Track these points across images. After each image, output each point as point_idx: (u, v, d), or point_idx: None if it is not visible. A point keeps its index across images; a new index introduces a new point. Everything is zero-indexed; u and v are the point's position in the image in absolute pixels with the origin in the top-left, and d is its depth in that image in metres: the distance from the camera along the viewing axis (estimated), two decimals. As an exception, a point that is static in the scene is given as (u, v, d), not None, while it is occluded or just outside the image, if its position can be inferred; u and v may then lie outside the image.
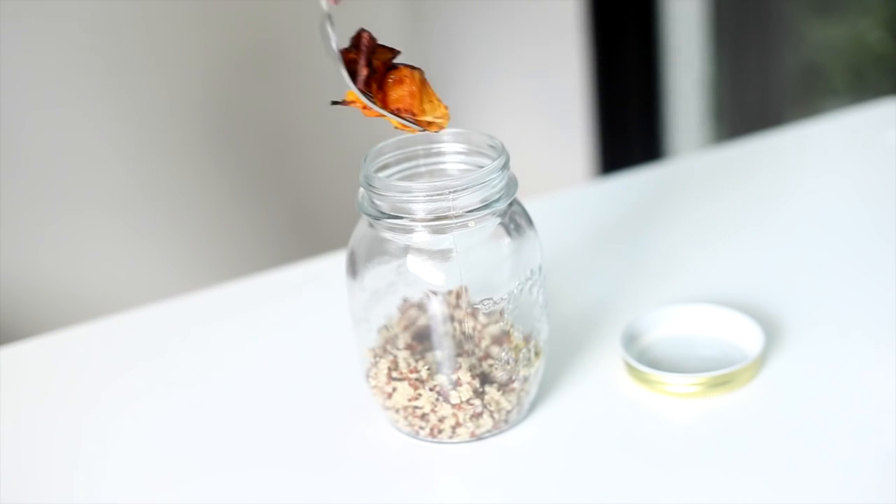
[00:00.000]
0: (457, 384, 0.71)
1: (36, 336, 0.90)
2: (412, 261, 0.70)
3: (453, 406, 0.71)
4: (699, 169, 1.11)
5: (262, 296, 0.94)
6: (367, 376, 0.74)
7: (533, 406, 0.75)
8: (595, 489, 0.69)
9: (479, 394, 0.71)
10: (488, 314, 0.71)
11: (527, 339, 0.72)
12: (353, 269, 0.72)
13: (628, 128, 1.93)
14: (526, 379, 0.73)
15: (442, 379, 0.71)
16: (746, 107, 1.92)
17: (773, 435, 0.72)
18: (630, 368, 0.77)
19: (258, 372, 0.83)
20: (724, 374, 0.75)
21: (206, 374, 0.83)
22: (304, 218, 1.77)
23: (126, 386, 0.82)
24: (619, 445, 0.72)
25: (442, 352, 0.71)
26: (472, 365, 0.71)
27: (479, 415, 0.72)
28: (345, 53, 0.66)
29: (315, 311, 0.90)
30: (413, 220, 0.68)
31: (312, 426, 0.76)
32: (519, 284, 0.71)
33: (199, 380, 0.83)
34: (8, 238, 1.47)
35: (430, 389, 0.71)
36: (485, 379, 0.71)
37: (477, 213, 0.68)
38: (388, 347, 0.72)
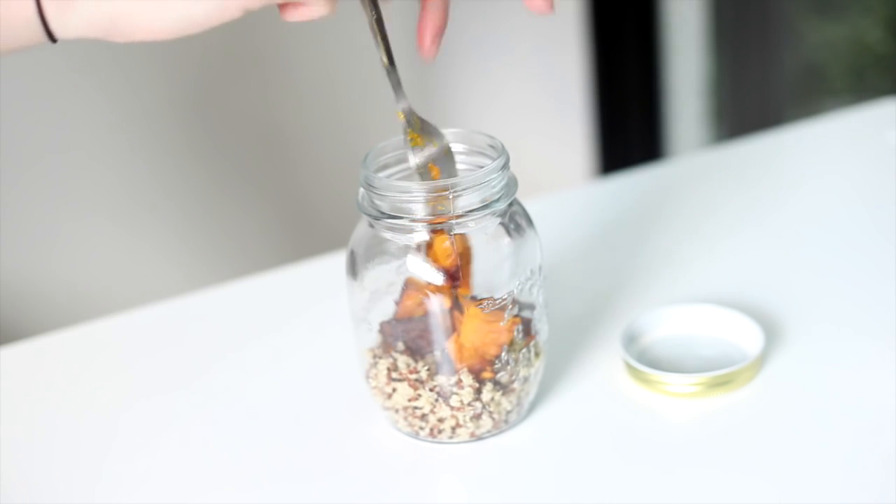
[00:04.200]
0: (457, 385, 0.70)
1: (36, 336, 0.90)
2: (412, 261, 0.70)
3: (453, 409, 0.71)
4: (699, 169, 1.11)
5: (262, 296, 0.94)
6: (367, 377, 0.74)
7: (533, 406, 0.75)
8: (595, 489, 0.69)
9: (478, 395, 0.71)
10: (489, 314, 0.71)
11: (527, 339, 0.72)
12: (353, 269, 0.72)
13: (628, 128, 1.93)
14: (526, 379, 0.73)
15: (441, 380, 0.71)
16: (746, 107, 1.92)
17: (773, 435, 0.71)
18: (630, 368, 0.77)
19: (258, 372, 0.83)
20: (724, 374, 0.75)
21: (205, 374, 0.83)
22: (304, 218, 1.77)
23: (126, 386, 0.82)
24: (618, 445, 0.72)
25: (441, 352, 0.71)
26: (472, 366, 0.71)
27: (479, 416, 0.72)
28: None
29: (315, 312, 0.90)
30: (413, 220, 0.68)
31: (312, 426, 0.76)
32: (519, 284, 0.71)
33: (198, 380, 0.82)
34: (8, 238, 1.47)
35: (430, 390, 0.71)
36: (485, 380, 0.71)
37: (477, 213, 0.68)
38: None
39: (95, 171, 1.53)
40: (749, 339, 0.78)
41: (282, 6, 0.63)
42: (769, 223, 0.97)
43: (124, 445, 0.76)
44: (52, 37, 0.61)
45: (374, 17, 0.67)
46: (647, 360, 0.77)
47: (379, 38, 0.68)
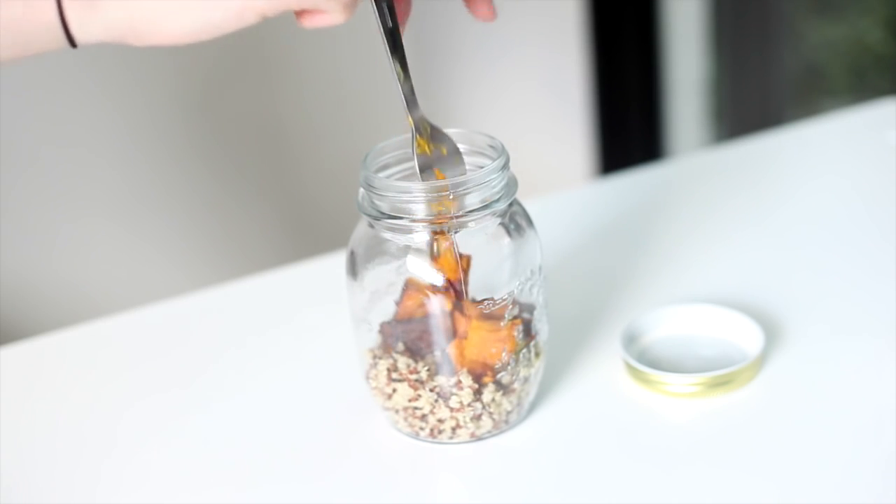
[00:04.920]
0: (456, 386, 0.70)
1: (36, 336, 0.90)
2: (412, 261, 0.70)
3: (453, 410, 0.71)
4: (699, 169, 1.11)
5: (262, 296, 0.94)
6: (367, 377, 0.74)
7: (533, 406, 0.75)
8: (595, 489, 0.69)
9: (478, 395, 0.71)
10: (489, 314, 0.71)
11: (527, 340, 0.72)
12: (353, 269, 0.72)
13: (628, 128, 1.93)
14: (526, 380, 0.73)
15: (441, 380, 0.71)
16: (746, 107, 1.92)
17: (773, 434, 0.72)
18: (630, 368, 0.77)
19: (258, 372, 0.83)
20: (724, 374, 0.75)
21: (206, 374, 0.83)
22: (304, 218, 1.77)
23: (126, 386, 0.82)
24: (619, 445, 0.72)
25: (441, 353, 0.71)
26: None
27: (479, 416, 0.72)
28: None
29: (315, 312, 0.90)
30: (413, 220, 0.68)
31: (312, 426, 0.76)
32: (519, 285, 0.71)
33: (199, 380, 0.83)
34: (8, 238, 1.47)
35: (430, 391, 0.71)
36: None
37: (477, 213, 0.68)
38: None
39: (97, 170, 1.53)
40: (749, 339, 0.78)
41: (298, 13, 0.63)
42: (769, 223, 0.97)
43: (125, 445, 0.76)
44: (71, 41, 0.61)
45: (390, 26, 0.67)
46: (647, 360, 0.78)
47: (391, 48, 0.68)
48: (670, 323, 0.81)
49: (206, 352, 0.86)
